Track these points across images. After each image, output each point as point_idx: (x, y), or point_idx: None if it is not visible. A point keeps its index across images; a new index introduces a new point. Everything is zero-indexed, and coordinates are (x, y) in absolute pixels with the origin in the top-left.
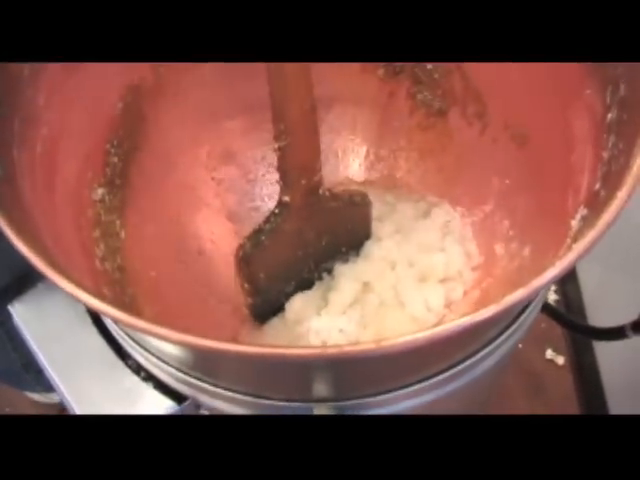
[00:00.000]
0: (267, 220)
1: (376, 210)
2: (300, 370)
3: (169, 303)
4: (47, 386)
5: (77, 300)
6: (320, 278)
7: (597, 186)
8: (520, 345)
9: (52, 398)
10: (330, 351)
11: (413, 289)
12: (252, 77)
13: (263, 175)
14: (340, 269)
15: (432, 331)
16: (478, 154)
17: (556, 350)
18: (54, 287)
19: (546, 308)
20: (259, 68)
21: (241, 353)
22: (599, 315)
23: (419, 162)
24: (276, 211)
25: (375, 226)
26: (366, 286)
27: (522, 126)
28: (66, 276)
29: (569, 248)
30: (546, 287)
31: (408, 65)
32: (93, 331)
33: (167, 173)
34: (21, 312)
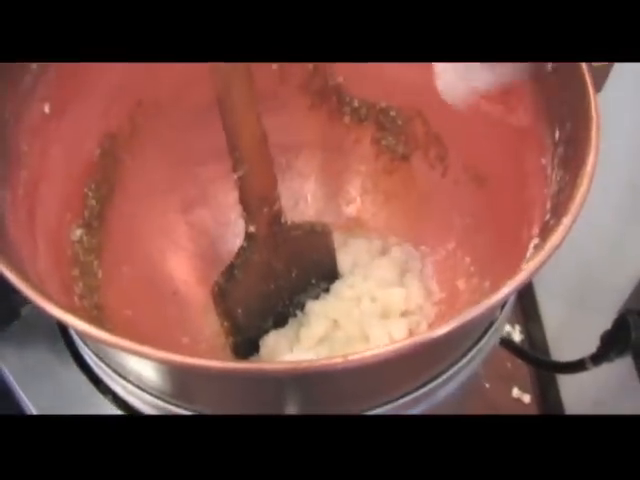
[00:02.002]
0: (238, 254)
1: (341, 250)
2: (279, 389)
3: (144, 341)
4: None
5: (64, 321)
6: (294, 315)
7: (547, 217)
8: (487, 385)
9: None
10: (303, 365)
11: (377, 324)
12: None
13: (235, 219)
14: (311, 306)
15: (402, 343)
16: (440, 195)
17: (522, 388)
18: (33, 323)
19: (511, 346)
20: None
21: (218, 369)
22: (562, 351)
23: (385, 205)
24: (244, 244)
25: (341, 264)
26: (335, 323)
27: (480, 167)
28: (44, 295)
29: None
30: (498, 305)
31: (372, 112)
32: (72, 366)
33: (142, 216)
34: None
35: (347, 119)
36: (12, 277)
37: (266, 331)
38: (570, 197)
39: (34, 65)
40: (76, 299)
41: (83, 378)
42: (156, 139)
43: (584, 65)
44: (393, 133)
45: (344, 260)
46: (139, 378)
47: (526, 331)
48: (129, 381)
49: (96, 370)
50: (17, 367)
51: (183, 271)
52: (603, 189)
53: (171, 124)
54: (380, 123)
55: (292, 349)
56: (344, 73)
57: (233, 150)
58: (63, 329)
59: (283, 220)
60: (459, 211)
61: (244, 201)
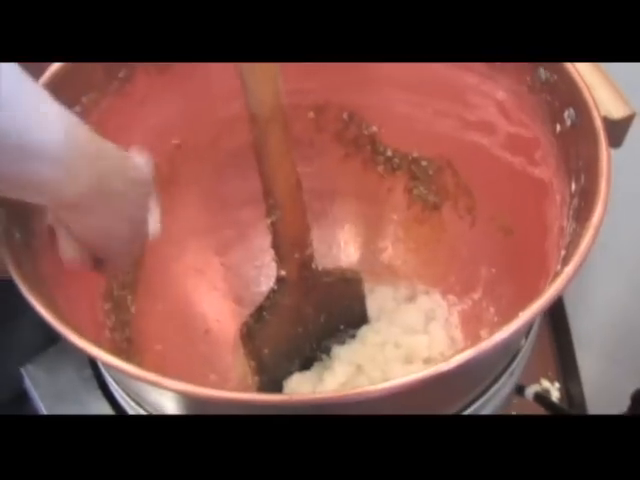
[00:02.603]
0: (267, 297)
1: (369, 296)
2: None
3: (171, 375)
4: None
5: (91, 355)
6: (320, 359)
7: (558, 267)
8: None
9: None
10: (295, 398)
11: (399, 370)
12: None
13: (269, 262)
14: (337, 351)
15: (400, 381)
16: (469, 245)
17: None
18: (64, 352)
19: (546, 403)
20: None
21: (229, 399)
22: (599, 407)
23: (415, 253)
24: (275, 287)
25: (368, 309)
26: (358, 368)
27: (506, 218)
28: (76, 330)
29: None
30: (492, 351)
31: (405, 162)
32: (98, 394)
33: (178, 256)
34: (32, 373)
35: (381, 168)
36: (42, 310)
37: (291, 373)
38: (576, 247)
39: (84, 98)
40: (107, 332)
41: (107, 406)
42: (194, 182)
43: (599, 120)
44: (425, 183)
45: (371, 306)
46: (158, 409)
47: (564, 388)
48: (148, 412)
49: (119, 400)
50: (47, 391)
51: (216, 310)
52: None
53: (209, 168)
54: (412, 173)
55: (315, 391)
56: (378, 122)
57: (267, 195)
58: (91, 358)
59: (314, 266)
60: (486, 261)
61: (276, 245)
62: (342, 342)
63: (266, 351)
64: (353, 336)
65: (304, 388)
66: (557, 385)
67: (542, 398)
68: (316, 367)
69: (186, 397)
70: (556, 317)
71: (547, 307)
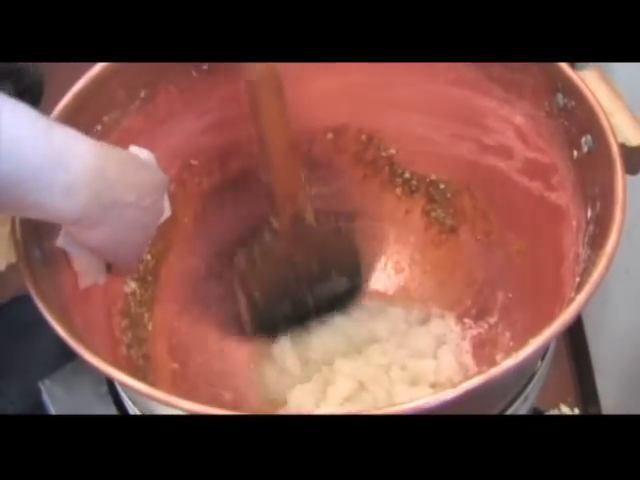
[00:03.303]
0: (259, 244)
1: (379, 317)
2: None
3: (185, 392)
4: None
5: (106, 374)
6: (312, 305)
7: (572, 295)
8: None
9: None
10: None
11: (405, 392)
12: None
13: None
14: (339, 365)
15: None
16: (486, 269)
17: None
18: (81, 368)
19: None
20: None
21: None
22: None
23: (431, 276)
24: (266, 237)
25: (378, 331)
26: (361, 385)
27: (523, 243)
28: (92, 351)
29: None
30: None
31: (423, 184)
32: (113, 411)
33: (196, 274)
34: (50, 389)
35: (399, 190)
36: (58, 328)
37: (284, 315)
38: (589, 275)
39: (105, 117)
40: (123, 348)
41: None
42: (213, 202)
43: (616, 147)
44: (442, 206)
45: (381, 327)
46: None
47: (584, 413)
48: None
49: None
50: (64, 407)
51: (231, 330)
52: None
53: (228, 189)
54: (430, 195)
55: (319, 404)
56: (396, 145)
57: (262, 154)
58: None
59: (308, 219)
60: (502, 286)
61: (269, 199)
62: (333, 291)
63: (257, 294)
64: (346, 286)
65: (307, 401)
66: (577, 411)
67: None
68: (317, 379)
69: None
70: (576, 343)
71: (559, 334)
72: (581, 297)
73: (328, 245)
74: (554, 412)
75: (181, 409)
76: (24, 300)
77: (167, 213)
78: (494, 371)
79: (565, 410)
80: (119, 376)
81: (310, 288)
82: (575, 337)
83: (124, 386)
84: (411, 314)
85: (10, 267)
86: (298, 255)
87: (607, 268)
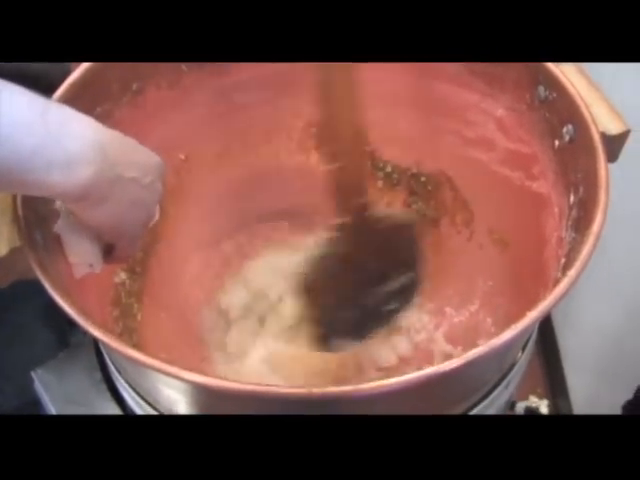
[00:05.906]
0: (325, 245)
1: None
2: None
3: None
4: None
5: (118, 350)
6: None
7: (558, 274)
8: None
9: None
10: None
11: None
12: (269, 189)
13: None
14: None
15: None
16: (466, 259)
17: None
18: (74, 355)
19: None
20: (277, 181)
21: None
22: None
23: None
24: (333, 235)
25: None
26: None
27: (504, 232)
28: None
29: None
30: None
31: (404, 177)
32: (107, 396)
33: (182, 268)
34: (42, 377)
35: (380, 183)
36: (64, 305)
37: (356, 323)
38: (578, 253)
39: (99, 109)
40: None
41: (117, 409)
42: (201, 196)
43: (598, 135)
44: (423, 198)
45: None
46: (170, 410)
47: (554, 405)
48: (159, 411)
49: (129, 401)
50: (57, 395)
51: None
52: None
53: (215, 181)
54: (411, 188)
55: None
56: (378, 139)
57: (330, 142)
58: (102, 362)
59: (368, 213)
60: (483, 274)
61: (335, 192)
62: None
63: (321, 300)
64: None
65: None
66: (546, 402)
67: (533, 413)
68: None
69: (200, 390)
70: (545, 335)
71: (556, 304)
72: (572, 272)
73: (388, 241)
74: (525, 403)
75: (183, 380)
76: (19, 301)
77: (156, 217)
78: (495, 341)
79: (535, 401)
80: (133, 353)
81: (368, 292)
82: (544, 330)
83: (134, 362)
84: None
85: (12, 251)
86: (359, 254)
87: (595, 246)
